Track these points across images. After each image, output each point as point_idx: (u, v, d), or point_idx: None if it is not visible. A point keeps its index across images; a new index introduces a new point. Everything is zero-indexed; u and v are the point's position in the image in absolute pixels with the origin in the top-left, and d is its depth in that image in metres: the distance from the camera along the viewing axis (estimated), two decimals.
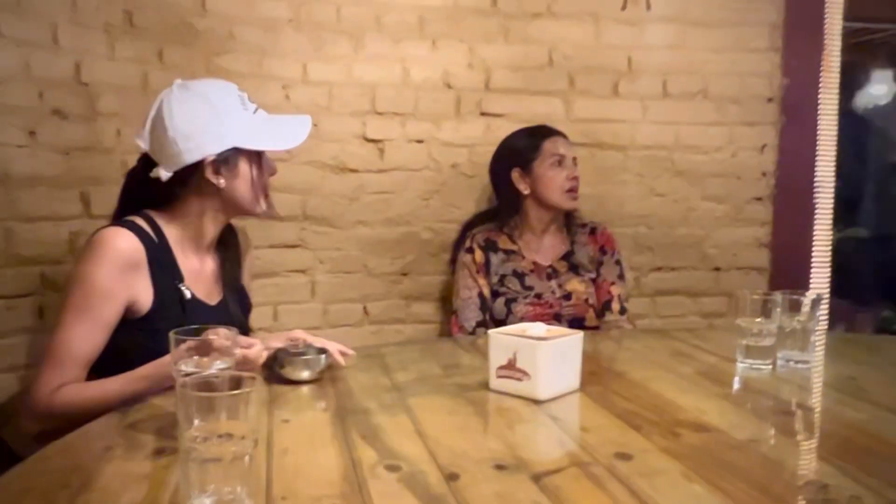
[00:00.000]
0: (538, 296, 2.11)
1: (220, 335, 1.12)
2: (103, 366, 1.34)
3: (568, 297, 2.12)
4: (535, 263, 2.17)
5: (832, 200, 2.65)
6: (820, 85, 2.60)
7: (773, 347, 1.47)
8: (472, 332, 2.08)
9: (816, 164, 2.61)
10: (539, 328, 1.31)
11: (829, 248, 2.67)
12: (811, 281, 2.62)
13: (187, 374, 1.01)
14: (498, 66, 2.41)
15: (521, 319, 2.01)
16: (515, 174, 2.18)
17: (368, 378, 1.40)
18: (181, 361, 1.06)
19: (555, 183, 2.14)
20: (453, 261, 2.28)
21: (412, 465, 0.95)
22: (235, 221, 1.63)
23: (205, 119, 1.41)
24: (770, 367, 1.45)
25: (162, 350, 1.15)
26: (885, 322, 2.45)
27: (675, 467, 0.96)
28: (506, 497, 0.87)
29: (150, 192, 1.47)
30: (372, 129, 2.35)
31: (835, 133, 2.66)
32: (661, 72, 2.50)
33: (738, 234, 2.60)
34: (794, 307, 1.49)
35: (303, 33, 2.27)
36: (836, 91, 2.64)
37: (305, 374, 1.34)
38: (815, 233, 2.62)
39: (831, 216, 2.65)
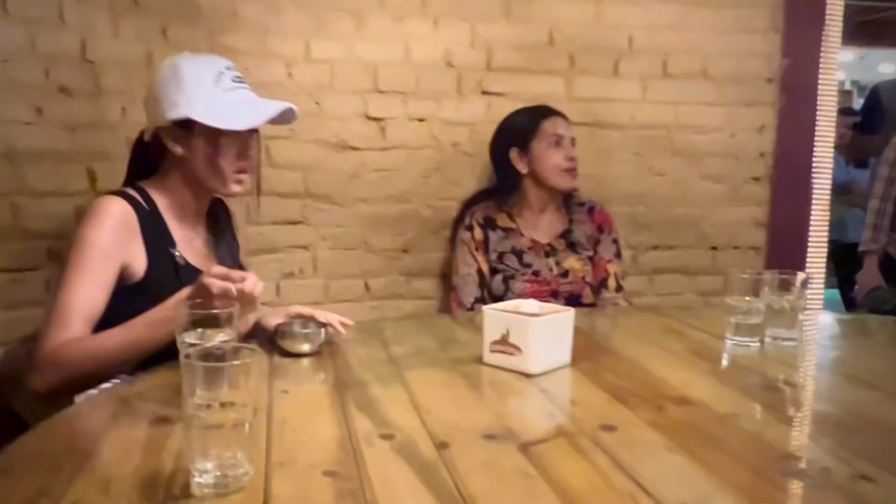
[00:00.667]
0: (536, 273, 2.15)
1: (213, 272, 1.20)
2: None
3: (565, 274, 2.16)
4: (533, 241, 2.20)
5: (830, 181, 2.67)
6: (820, 66, 2.61)
7: (762, 325, 1.50)
8: (471, 308, 2.12)
9: (815, 145, 2.63)
10: (532, 305, 1.35)
11: (826, 228, 2.69)
12: (807, 261, 2.65)
13: (191, 346, 1.05)
14: (499, 45, 2.43)
15: (519, 296, 2.05)
16: (514, 154, 2.20)
17: (366, 352, 1.44)
18: (185, 333, 1.10)
19: (551, 163, 2.16)
20: (453, 238, 2.31)
21: (405, 435, 0.99)
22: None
23: (166, 86, 1.47)
24: (758, 344, 1.49)
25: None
26: (877, 301, 2.47)
27: (657, 439, 1.00)
28: (492, 464, 0.91)
29: (145, 161, 1.55)
30: (374, 107, 2.37)
31: (834, 114, 2.67)
32: (661, 51, 2.52)
33: (735, 214, 2.63)
34: (784, 286, 1.52)
35: (305, 12, 2.28)
36: (836, 72, 2.65)
37: (305, 348, 1.38)
38: (812, 213, 2.65)
39: (829, 197, 2.68)
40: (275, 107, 1.51)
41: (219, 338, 1.11)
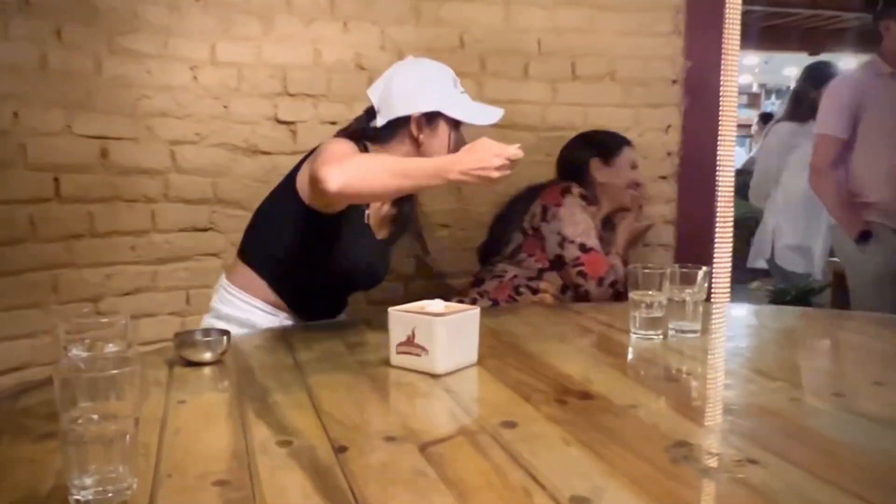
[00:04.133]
0: None
1: (485, 140, 1.46)
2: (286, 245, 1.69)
3: None
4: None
5: (733, 178, 2.76)
6: (721, 67, 2.70)
7: (664, 319, 1.54)
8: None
9: (718, 143, 2.72)
10: (437, 304, 1.34)
11: (731, 223, 2.78)
12: (714, 256, 2.74)
13: (75, 357, 1.01)
14: (410, 47, 2.42)
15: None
16: (595, 162, 2.25)
17: (271, 358, 1.42)
18: (72, 345, 1.06)
19: (629, 178, 2.26)
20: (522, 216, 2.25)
21: (303, 440, 0.98)
22: None
23: (421, 84, 1.72)
24: (661, 337, 1.53)
25: (325, 245, 1.65)
26: (779, 294, 2.58)
27: (555, 432, 1.01)
28: (390, 466, 0.90)
29: (365, 137, 1.75)
30: (284, 110, 2.34)
31: (735, 113, 2.77)
32: (569, 55, 2.57)
33: (645, 213, 2.69)
34: (685, 280, 1.56)
35: (210, 13, 2.24)
36: (736, 73, 2.75)
37: (207, 356, 1.35)
38: (717, 209, 2.74)
39: (732, 193, 2.77)
40: (497, 110, 1.78)
41: (108, 348, 1.07)
